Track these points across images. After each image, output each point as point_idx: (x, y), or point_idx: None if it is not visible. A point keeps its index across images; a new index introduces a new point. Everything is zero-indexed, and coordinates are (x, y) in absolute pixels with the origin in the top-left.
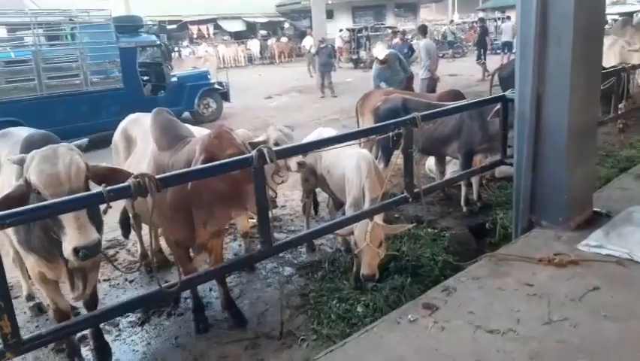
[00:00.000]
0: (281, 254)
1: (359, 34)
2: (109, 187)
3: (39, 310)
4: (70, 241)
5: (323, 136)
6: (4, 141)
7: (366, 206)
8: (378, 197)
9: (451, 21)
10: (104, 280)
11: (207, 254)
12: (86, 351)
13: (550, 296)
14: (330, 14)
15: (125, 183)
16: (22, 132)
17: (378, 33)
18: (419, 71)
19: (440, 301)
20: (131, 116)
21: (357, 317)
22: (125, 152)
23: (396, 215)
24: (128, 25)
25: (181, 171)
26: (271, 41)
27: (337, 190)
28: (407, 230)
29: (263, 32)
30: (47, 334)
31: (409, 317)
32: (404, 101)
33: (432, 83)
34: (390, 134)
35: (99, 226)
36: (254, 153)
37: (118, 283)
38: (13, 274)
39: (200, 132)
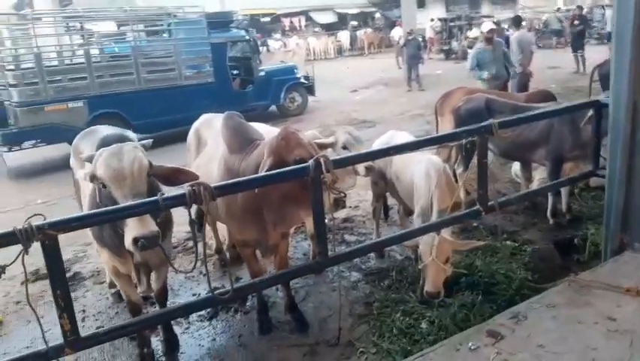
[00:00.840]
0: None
1: (451, 24)
2: (165, 195)
3: (119, 297)
4: (130, 232)
5: (394, 141)
6: (88, 138)
7: (434, 218)
8: (447, 208)
9: (558, 9)
10: (183, 272)
11: (272, 257)
12: (156, 341)
13: (634, 335)
14: (421, 3)
15: (180, 192)
16: (105, 131)
17: (472, 22)
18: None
19: (507, 329)
20: (204, 117)
21: (421, 334)
22: (195, 152)
23: (474, 223)
24: (219, 21)
25: (235, 180)
26: (361, 32)
27: (406, 197)
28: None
29: (354, 23)
30: (104, 334)
31: (470, 344)
32: (488, 102)
33: (523, 80)
34: (463, 141)
35: (167, 224)
36: (310, 162)
37: (193, 276)
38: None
39: (269, 131)
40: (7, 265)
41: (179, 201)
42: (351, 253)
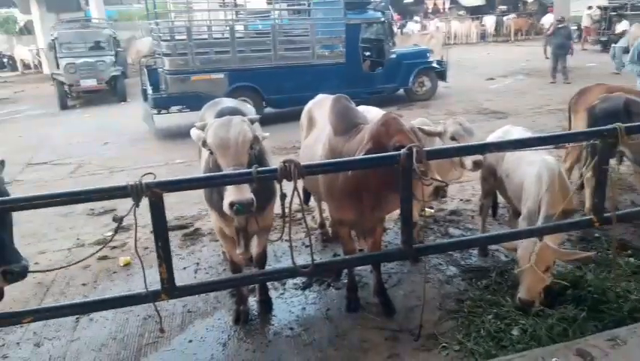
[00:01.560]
0: (449, 253)
1: (612, 13)
2: (259, 168)
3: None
4: (227, 197)
5: (508, 136)
6: (212, 109)
7: (539, 222)
8: (556, 214)
9: None
10: (286, 241)
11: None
12: (253, 301)
13: None
14: None
15: (273, 167)
16: (226, 103)
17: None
18: None
19: (600, 351)
20: (317, 98)
21: (510, 340)
22: (307, 130)
23: (596, 234)
24: (357, 2)
25: (324, 162)
26: (508, 17)
27: (514, 197)
28: (591, 256)
29: (502, 7)
30: (197, 286)
31: (554, 360)
32: (627, 102)
33: None
34: (584, 144)
35: (270, 196)
36: (403, 151)
37: (296, 246)
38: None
39: (377, 117)
40: (124, 216)
41: (271, 175)
42: (435, 246)
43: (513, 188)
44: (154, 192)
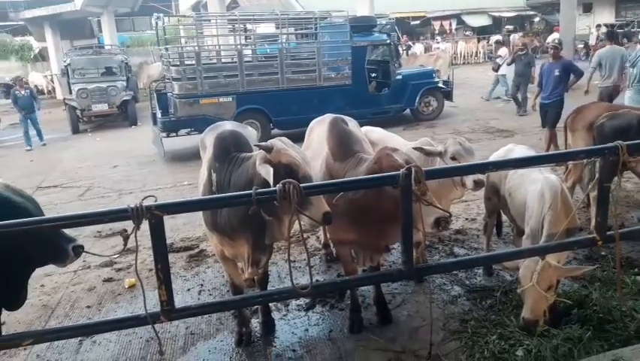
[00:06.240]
0: (454, 272)
1: (619, 30)
2: (259, 190)
3: None
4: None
5: (511, 155)
6: (211, 133)
7: (542, 241)
8: (558, 233)
9: None
10: (292, 261)
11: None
12: (255, 322)
13: None
14: (588, 7)
15: (273, 188)
16: (225, 127)
17: None
18: None
19: None
20: (321, 117)
21: None
22: (305, 148)
23: (602, 253)
24: (362, 25)
25: (324, 182)
26: (514, 37)
27: (517, 216)
28: (592, 271)
29: (509, 27)
30: (195, 307)
31: None
32: None
33: None
34: (584, 162)
35: None
36: (401, 171)
37: (300, 266)
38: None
39: (382, 137)
40: (129, 234)
41: (270, 195)
42: (435, 267)
43: (516, 206)
44: (154, 215)
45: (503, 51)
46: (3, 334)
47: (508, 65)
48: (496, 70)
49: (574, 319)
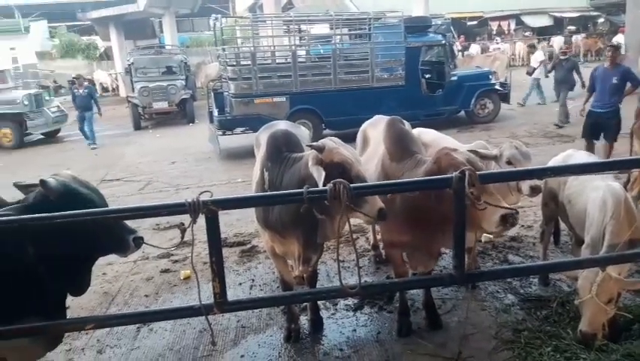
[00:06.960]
0: (508, 280)
1: None
2: (310, 188)
3: None
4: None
5: (570, 161)
6: (265, 132)
7: (603, 252)
8: (620, 244)
9: None
10: (341, 261)
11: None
12: (304, 320)
13: None
14: None
15: (324, 187)
16: (279, 126)
17: None
18: None
19: None
20: (373, 118)
21: None
22: (361, 150)
23: None
24: (417, 26)
25: (375, 183)
26: (576, 37)
27: (576, 225)
28: None
29: (571, 28)
30: (247, 301)
31: None
32: None
33: None
34: None
35: None
36: (455, 174)
37: (349, 267)
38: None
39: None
40: (186, 227)
41: (321, 195)
42: (487, 273)
43: (575, 214)
44: (210, 209)
45: (539, 55)
46: (67, 318)
47: (549, 71)
48: (530, 73)
49: (635, 334)
